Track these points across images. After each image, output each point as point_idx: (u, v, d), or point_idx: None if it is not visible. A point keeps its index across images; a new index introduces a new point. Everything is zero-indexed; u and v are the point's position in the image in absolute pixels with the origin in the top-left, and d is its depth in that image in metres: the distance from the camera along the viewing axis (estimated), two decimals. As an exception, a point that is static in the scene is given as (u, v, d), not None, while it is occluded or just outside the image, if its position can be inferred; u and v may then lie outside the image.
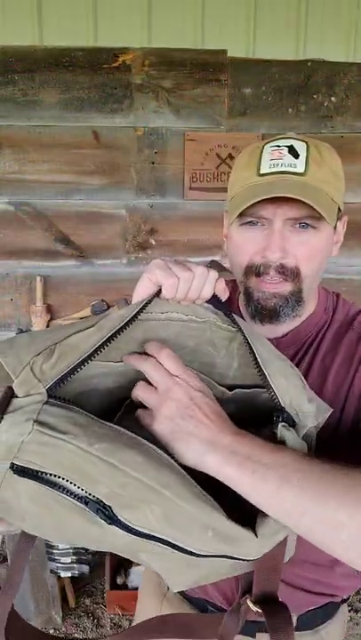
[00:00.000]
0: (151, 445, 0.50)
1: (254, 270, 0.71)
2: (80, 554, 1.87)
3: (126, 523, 0.48)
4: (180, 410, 0.53)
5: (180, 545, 0.49)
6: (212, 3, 1.97)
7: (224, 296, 0.59)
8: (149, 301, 0.56)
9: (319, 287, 0.82)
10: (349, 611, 2.02)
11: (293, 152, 0.67)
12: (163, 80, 1.90)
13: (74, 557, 1.86)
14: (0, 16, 1.94)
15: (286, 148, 0.68)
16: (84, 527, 0.49)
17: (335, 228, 0.77)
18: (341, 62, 1.97)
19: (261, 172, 0.68)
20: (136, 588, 1.94)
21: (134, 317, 0.54)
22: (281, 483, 0.48)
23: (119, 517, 0.48)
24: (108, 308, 2.10)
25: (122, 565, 2.05)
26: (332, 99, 1.98)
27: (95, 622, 1.98)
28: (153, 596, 0.94)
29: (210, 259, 2.05)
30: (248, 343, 0.58)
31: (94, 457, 0.47)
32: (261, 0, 1.97)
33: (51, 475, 0.48)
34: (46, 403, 0.50)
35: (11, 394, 0.50)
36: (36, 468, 0.48)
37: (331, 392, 0.73)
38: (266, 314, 0.72)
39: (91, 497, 0.47)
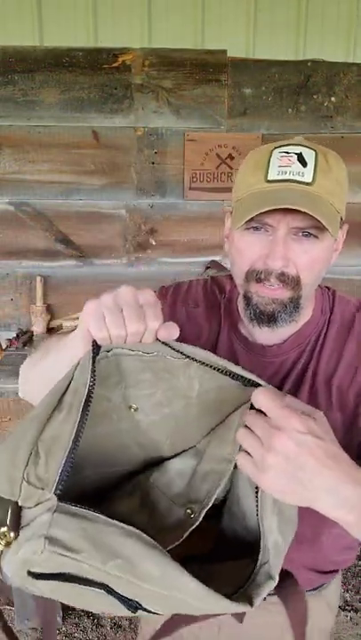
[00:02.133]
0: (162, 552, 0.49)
1: (255, 276, 0.71)
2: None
3: (151, 610, 0.50)
4: (288, 462, 0.49)
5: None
6: (212, 3, 1.97)
7: (173, 337, 0.59)
8: (94, 358, 0.56)
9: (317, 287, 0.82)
10: (349, 610, 2.02)
11: (302, 160, 0.68)
12: (163, 80, 1.91)
13: (74, 557, 1.86)
14: (0, 16, 1.94)
15: (295, 156, 0.68)
16: (112, 604, 0.50)
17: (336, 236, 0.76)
18: (341, 62, 1.97)
19: (269, 178, 0.68)
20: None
21: (93, 384, 0.53)
22: None
23: (144, 606, 0.50)
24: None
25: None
26: (332, 99, 1.98)
27: (95, 622, 1.98)
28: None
29: (210, 259, 2.05)
30: (207, 365, 0.61)
31: (110, 575, 0.47)
32: (261, 0, 1.97)
33: (70, 574, 0.48)
34: (56, 510, 0.48)
35: (18, 509, 0.48)
36: (54, 572, 0.48)
37: (336, 397, 0.74)
38: (264, 318, 0.73)
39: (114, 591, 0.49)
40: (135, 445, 0.66)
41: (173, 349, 0.60)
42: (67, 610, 2.02)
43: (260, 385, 0.58)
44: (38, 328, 2.07)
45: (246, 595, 0.51)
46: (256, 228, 0.70)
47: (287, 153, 0.69)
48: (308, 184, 0.67)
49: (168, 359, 0.61)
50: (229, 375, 0.60)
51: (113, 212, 2.04)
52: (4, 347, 2.03)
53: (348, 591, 2.13)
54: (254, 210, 0.66)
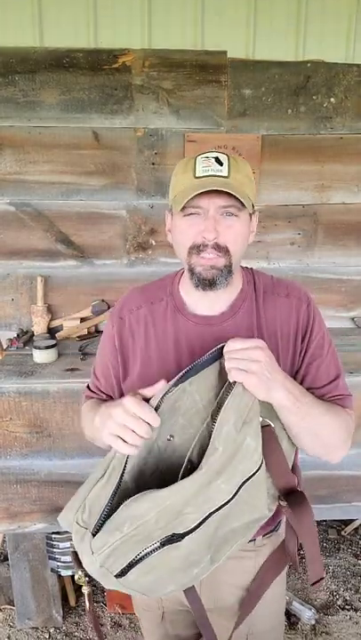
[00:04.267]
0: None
1: (196, 248, 0.92)
2: (80, 553, 1.88)
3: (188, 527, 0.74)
4: (264, 367, 0.80)
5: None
6: (212, 4, 1.97)
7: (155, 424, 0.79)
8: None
9: (239, 267, 1.03)
10: (349, 610, 2.03)
11: (218, 161, 0.91)
12: (163, 81, 1.91)
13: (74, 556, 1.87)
14: (0, 17, 1.94)
15: (213, 159, 0.91)
16: (182, 561, 0.76)
17: (251, 220, 0.98)
18: (341, 63, 1.97)
19: (197, 175, 0.90)
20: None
21: (124, 470, 0.78)
22: (308, 413, 0.87)
23: (181, 531, 0.74)
24: (109, 308, 2.11)
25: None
26: (332, 100, 1.99)
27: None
28: (152, 616, 1.19)
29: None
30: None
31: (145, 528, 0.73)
32: (261, 1, 1.98)
33: (138, 555, 0.72)
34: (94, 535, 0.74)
35: (75, 554, 0.78)
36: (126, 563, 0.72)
37: (283, 345, 0.98)
38: (206, 282, 0.93)
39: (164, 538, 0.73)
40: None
41: (171, 388, 0.81)
42: (67, 609, 2.03)
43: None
44: (39, 328, 2.08)
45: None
46: (192, 214, 0.91)
47: (207, 157, 0.92)
48: (225, 177, 0.89)
49: (170, 395, 0.81)
50: (206, 363, 0.83)
51: (113, 212, 2.04)
52: (4, 346, 2.04)
53: (347, 590, 2.13)
54: (190, 194, 0.87)
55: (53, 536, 1.84)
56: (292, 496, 0.89)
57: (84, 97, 1.91)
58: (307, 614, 1.96)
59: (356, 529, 2.46)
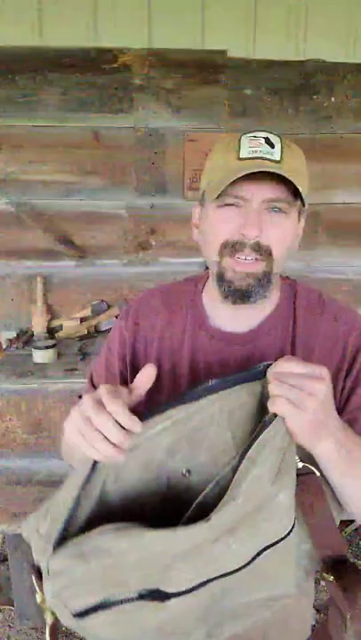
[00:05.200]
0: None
1: (230, 247, 0.74)
2: (80, 553, 1.87)
3: (173, 591, 0.56)
4: (322, 405, 0.61)
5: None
6: (212, 3, 1.97)
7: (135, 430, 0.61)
8: (89, 476, 0.62)
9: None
10: (349, 610, 2.02)
11: (269, 143, 0.73)
12: (163, 81, 1.91)
13: (74, 557, 1.87)
14: (0, 17, 1.94)
15: (263, 139, 0.73)
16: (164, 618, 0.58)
17: (299, 220, 0.81)
18: (341, 63, 1.97)
19: (241, 156, 0.72)
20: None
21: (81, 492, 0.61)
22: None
23: (163, 589, 0.56)
24: (109, 307, 2.11)
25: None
26: (332, 99, 1.98)
27: (95, 621, 1.98)
28: None
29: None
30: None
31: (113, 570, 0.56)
32: (261, 0, 1.98)
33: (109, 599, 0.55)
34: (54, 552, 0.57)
35: (37, 571, 0.59)
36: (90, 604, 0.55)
37: None
38: (238, 294, 0.76)
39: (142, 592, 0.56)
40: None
41: (184, 398, 0.65)
42: (67, 609, 2.02)
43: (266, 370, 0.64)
44: (38, 328, 2.08)
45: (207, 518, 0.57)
46: (230, 205, 0.74)
47: (255, 137, 0.74)
48: (277, 162, 0.71)
49: (185, 408, 0.65)
50: (238, 379, 0.65)
51: (113, 212, 2.04)
52: (4, 346, 2.04)
53: (347, 591, 2.13)
54: (232, 178, 0.69)
55: (53, 536, 1.83)
56: (342, 569, 0.67)
57: (84, 97, 1.91)
58: (307, 615, 1.96)
59: (356, 529, 2.46)
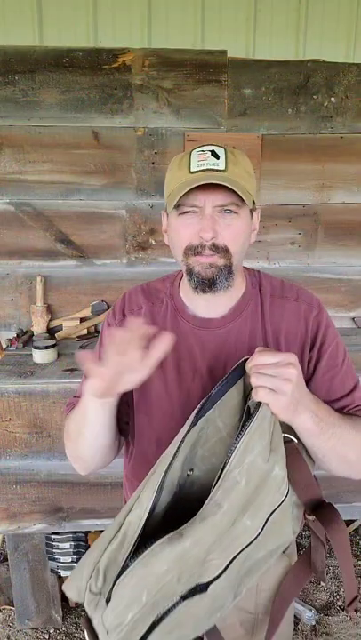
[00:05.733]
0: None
1: (192, 250, 0.87)
2: (80, 553, 1.87)
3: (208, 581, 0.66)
4: (296, 387, 0.72)
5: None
6: (212, 3, 1.98)
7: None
8: (156, 499, 0.69)
9: (243, 268, 0.99)
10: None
11: (215, 155, 0.86)
12: (163, 80, 1.91)
13: (74, 557, 1.87)
14: (0, 17, 1.94)
15: (209, 152, 0.86)
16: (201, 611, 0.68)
17: (252, 217, 0.93)
18: (341, 63, 1.97)
19: (192, 170, 0.85)
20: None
21: (147, 520, 0.67)
22: (332, 434, 0.80)
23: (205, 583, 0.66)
24: (108, 307, 2.11)
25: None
26: (332, 99, 1.98)
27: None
28: None
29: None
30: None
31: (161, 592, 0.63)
32: (262, 1, 1.98)
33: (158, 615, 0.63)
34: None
35: (89, 623, 0.66)
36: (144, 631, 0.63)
37: (285, 349, 0.91)
38: (206, 283, 0.87)
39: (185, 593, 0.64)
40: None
41: (195, 419, 0.74)
42: (66, 610, 2.02)
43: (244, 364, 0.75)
44: (38, 328, 2.08)
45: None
46: (188, 212, 0.86)
47: (203, 151, 0.87)
48: (222, 171, 0.84)
49: (192, 434, 0.74)
50: (228, 383, 0.75)
51: (113, 212, 2.04)
52: (4, 346, 2.04)
53: (347, 591, 2.13)
54: (183, 191, 0.81)
55: (53, 537, 1.84)
56: (320, 509, 0.82)
57: (84, 97, 1.91)
58: (307, 615, 1.96)
59: (357, 529, 2.46)
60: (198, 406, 0.75)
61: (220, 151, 0.87)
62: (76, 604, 2.06)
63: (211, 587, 0.66)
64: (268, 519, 0.71)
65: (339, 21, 2.02)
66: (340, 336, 0.97)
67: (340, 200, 2.08)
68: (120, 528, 0.68)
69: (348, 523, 2.46)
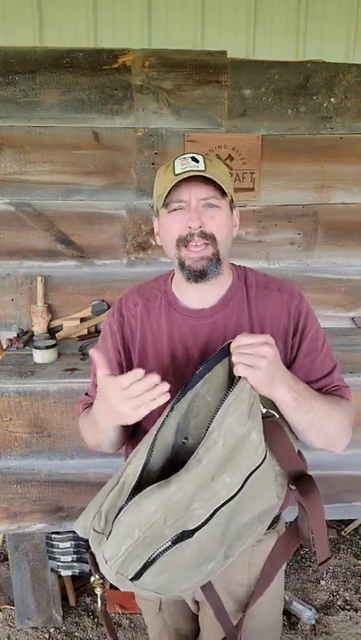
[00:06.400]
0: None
1: (183, 240, 0.96)
2: (80, 552, 1.88)
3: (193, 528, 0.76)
4: (271, 363, 0.82)
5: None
6: (212, 4, 1.98)
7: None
8: (150, 450, 0.82)
9: (230, 264, 1.08)
10: (349, 610, 2.03)
11: (194, 159, 0.97)
12: (163, 81, 1.91)
13: (74, 556, 1.87)
14: (0, 17, 1.95)
15: (190, 158, 0.97)
16: (196, 556, 0.78)
17: (232, 214, 1.03)
18: (341, 63, 1.97)
19: (176, 172, 0.95)
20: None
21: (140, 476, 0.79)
22: (310, 408, 0.90)
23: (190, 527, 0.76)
24: (108, 307, 2.11)
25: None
26: (332, 100, 1.99)
27: (95, 621, 1.99)
28: (149, 607, 1.24)
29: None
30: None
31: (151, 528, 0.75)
32: (261, 1, 1.98)
33: (151, 556, 0.74)
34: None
35: (93, 557, 0.81)
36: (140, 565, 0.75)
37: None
38: (197, 274, 0.97)
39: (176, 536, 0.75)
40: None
41: (179, 396, 0.86)
42: (67, 609, 2.03)
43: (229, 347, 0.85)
44: (39, 328, 2.08)
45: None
46: (175, 210, 0.96)
47: (184, 158, 0.97)
48: (202, 170, 0.94)
49: (185, 398, 0.86)
50: (216, 359, 0.86)
51: (113, 212, 2.04)
52: (4, 346, 2.04)
53: (347, 590, 2.13)
54: (172, 184, 0.92)
55: (53, 536, 1.84)
56: (301, 480, 0.92)
57: (84, 97, 1.91)
58: (307, 614, 1.96)
59: (356, 529, 2.46)
60: (187, 380, 0.87)
61: (198, 157, 0.98)
62: (76, 603, 2.06)
63: (196, 534, 0.76)
64: (247, 479, 0.81)
65: (338, 22, 2.02)
66: (318, 322, 1.07)
67: (340, 200, 2.08)
68: (119, 478, 0.81)
69: (348, 522, 2.46)
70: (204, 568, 0.79)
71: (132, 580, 0.74)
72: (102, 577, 0.85)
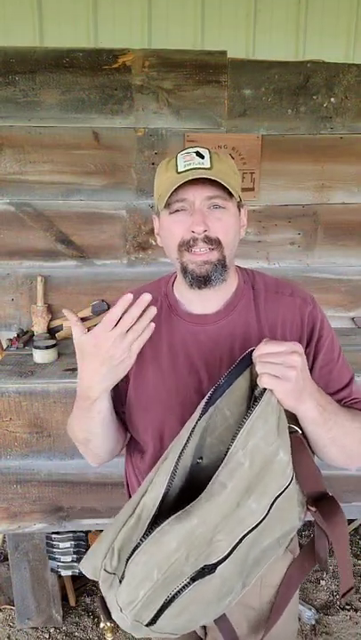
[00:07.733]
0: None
1: (185, 245, 0.88)
2: (81, 552, 1.88)
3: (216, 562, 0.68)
4: (300, 373, 0.74)
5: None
6: (212, 4, 1.98)
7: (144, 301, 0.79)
8: (170, 481, 0.71)
9: (235, 267, 1.01)
10: (349, 610, 2.03)
11: (199, 155, 0.88)
12: (163, 81, 1.91)
13: (74, 556, 1.87)
14: (0, 17, 1.95)
15: (194, 153, 0.88)
16: (210, 594, 0.70)
17: (240, 213, 0.95)
18: (341, 63, 1.97)
19: (179, 170, 0.87)
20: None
21: (162, 502, 0.69)
22: (334, 423, 0.83)
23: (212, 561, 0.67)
24: (109, 307, 2.11)
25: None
26: (332, 100, 1.99)
27: (95, 621, 1.99)
28: None
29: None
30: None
31: (171, 570, 0.66)
32: (261, 1, 1.98)
33: (168, 597, 0.66)
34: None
35: (103, 602, 0.71)
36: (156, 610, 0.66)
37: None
38: (201, 280, 0.89)
39: (194, 574, 0.67)
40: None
41: (204, 407, 0.76)
42: (67, 609, 2.03)
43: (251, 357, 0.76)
44: (39, 328, 2.08)
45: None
46: (178, 210, 0.88)
47: (188, 153, 0.89)
48: (208, 169, 0.86)
49: (202, 422, 0.76)
50: (235, 372, 0.77)
51: (113, 212, 2.04)
52: (4, 346, 2.04)
53: (347, 590, 2.13)
54: (173, 188, 0.84)
55: (53, 536, 1.84)
56: (323, 501, 0.84)
57: (84, 97, 1.91)
58: (307, 614, 1.96)
59: (356, 529, 2.46)
60: (208, 395, 0.76)
61: (204, 152, 0.89)
62: (76, 603, 2.06)
63: (219, 568, 0.68)
64: (273, 504, 0.73)
65: (338, 23, 2.02)
66: (333, 330, 1.00)
67: (340, 200, 2.08)
68: (134, 510, 0.71)
69: (348, 522, 2.46)
70: (223, 602, 0.72)
71: (147, 625, 0.67)
72: (113, 622, 0.74)
